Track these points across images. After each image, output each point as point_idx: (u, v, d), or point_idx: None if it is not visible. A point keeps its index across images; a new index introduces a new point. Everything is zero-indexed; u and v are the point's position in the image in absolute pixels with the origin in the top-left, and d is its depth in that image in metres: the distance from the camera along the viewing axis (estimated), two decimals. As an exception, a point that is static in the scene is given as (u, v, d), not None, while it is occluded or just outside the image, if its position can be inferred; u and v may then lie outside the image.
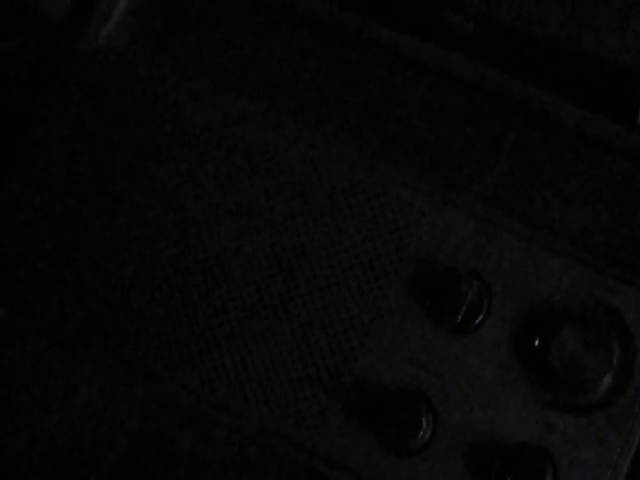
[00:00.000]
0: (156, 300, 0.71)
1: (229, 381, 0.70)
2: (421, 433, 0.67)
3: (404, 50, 0.72)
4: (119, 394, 0.71)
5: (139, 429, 0.71)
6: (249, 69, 0.74)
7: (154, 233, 0.72)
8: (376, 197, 0.71)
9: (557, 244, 0.70)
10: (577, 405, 0.68)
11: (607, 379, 0.67)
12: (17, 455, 0.72)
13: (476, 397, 0.68)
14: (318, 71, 0.74)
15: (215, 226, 0.71)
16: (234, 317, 0.70)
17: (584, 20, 0.76)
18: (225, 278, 0.71)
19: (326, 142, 0.72)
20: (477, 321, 0.68)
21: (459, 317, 0.67)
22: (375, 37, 0.73)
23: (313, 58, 0.74)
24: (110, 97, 0.74)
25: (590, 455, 0.67)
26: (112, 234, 0.72)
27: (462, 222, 0.70)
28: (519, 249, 0.69)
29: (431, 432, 0.67)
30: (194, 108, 0.73)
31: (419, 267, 0.70)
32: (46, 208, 0.73)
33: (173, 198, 0.72)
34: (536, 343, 0.68)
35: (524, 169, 0.71)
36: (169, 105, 0.74)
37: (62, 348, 0.72)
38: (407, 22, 0.77)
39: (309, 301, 0.70)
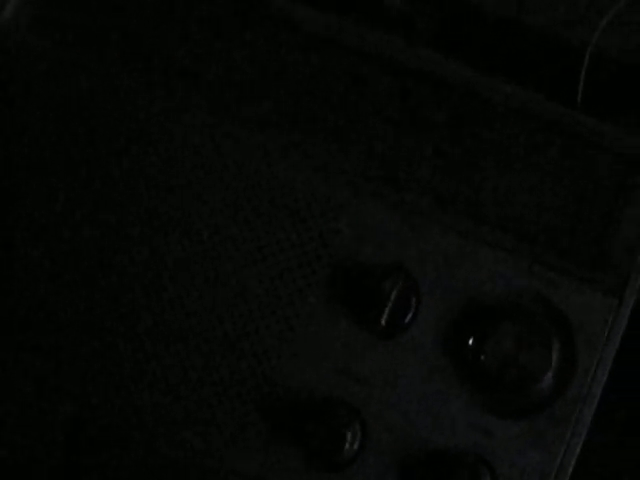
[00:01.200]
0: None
1: (151, 399, 0.64)
2: (347, 446, 0.61)
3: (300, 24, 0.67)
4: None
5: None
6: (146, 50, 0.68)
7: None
8: (290, 191, 0.65)
9: (490, 234, 0.64)
10: (516, 408, 0.63)
11: (547, 379, 0.62)
12: None
13: (408, 404, 0.63)
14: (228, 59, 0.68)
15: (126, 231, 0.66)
16: (146, 331, 0.65)
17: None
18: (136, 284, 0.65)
19: (240, 132, 0.66)
20: (404, 322, 0.63)
21: (384, 319, 0.62)
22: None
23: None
24: (10, 87, 0.68)
25: (532, 460, 0.62)
26: None
27: (386, 215, 0.65)
28: (448, 242, 0.64)
29: (359, 444, 0.62)
30: (107, 98, 0.67)
31: (340, 266, 0.64)
32: None
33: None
34: (470, 343, 0.63)
35: (454, 155, 0.66)
36: (79, 96, 0.68)
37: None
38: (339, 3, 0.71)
39: (225, 309, 0.64)
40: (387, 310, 0.62)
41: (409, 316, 0.63)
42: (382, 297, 0.62)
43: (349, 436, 0.61)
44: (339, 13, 0.70)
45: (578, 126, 0.65)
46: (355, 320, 0.63)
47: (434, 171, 0.65)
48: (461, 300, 0.63)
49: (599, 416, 0.63)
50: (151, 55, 0.68)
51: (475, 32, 0.71)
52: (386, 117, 0.66)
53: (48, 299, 0.65)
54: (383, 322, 0.62)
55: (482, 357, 0.62)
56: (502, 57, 0.71)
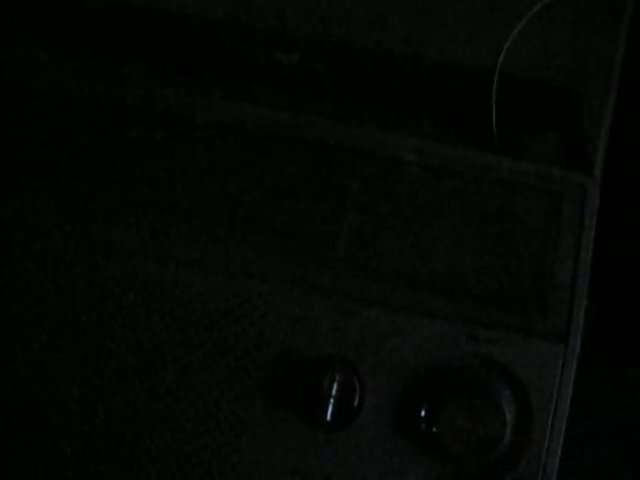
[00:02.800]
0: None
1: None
2: None
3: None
4: None
5: None
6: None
7: None
8: (214, 296, 0.63)
9: (422, 302, 0.62)
10: (478, 477, 0.61)
11: (505, 442, 0.61)
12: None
13: (369, 492, 0.62)
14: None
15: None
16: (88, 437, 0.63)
17: (422, 29, 0.67)
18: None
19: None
20: (350, 413, 0.61)
21: (328, 415, 0.60)
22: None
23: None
24: None
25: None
26: None
27: (313, 301, 0.62)
28: (381, 319, 0.62)
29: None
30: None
31: (276, 364, 0.62)
32: None
33: None
34: (421, 416, 0.61)
35: (373, 222, 0.63)
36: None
37: None
38: (235, 70, 0.67)
39: (169, 425, 0.62)
40: (330, 406, 0.60)
41: (354, 406, 0.61)
42: (323, 393, 0.60)
43: None
44: (234, 72, 0.67)
45: (494, 169, 0.62)
46: (300, 417, 0.61)
47: (354, 246, 0.62)
48: (406, 376, 0.61)
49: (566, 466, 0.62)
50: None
51: (378, 83, 0.67)
52: (296, 195, 0.63)
53: None
54: (328, 418, 0.60)
55: (434, 429, 0.61)
56: (412, 106, 0.67)
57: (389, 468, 0.61)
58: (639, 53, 0.70)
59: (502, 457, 0.61)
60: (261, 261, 0.62)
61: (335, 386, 0.60)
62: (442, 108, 0.67)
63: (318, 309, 0.62)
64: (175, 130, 0.63)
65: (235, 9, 0.68)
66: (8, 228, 0.62)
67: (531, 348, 0.61)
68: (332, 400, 0.60)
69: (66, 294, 0.62)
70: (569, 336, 0.61)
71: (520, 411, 0.61)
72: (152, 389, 0.62)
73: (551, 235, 0.62)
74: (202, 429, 0.62)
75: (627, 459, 0.77)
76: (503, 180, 0.62)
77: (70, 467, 0.62)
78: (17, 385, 0.62)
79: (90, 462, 0.62)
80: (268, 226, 0.62)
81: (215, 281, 0.62)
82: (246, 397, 0.62)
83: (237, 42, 0.68)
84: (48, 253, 0.62)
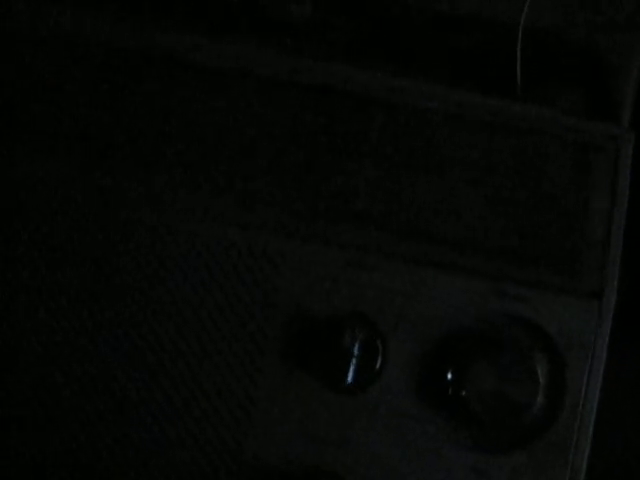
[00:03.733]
0: None
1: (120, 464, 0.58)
2: (336, 522, 0.56)
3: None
4: None
5: None
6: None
7: None
8: (224, 250, 0.58)
9: (448, 257, 0.58)
10: (509, 441, 0.57)
11: (537, 405, 0.57)
12: None
13: (390, 461, 0.57)
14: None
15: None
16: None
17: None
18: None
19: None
20: (372, 375, 0.57)
21: (349, 377, 0.56)
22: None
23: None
24: None
25: (536, 491, 0.57)
26: None
27: (330, 256, 0.58)
28: (404, 275, 0.58)
29: (349, 513, 0.57)
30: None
31: (293, 324, 0.58)
32: None
33: None
34: (448, 379, 0.57)
35: (392, 174, 0.59)
36: None
37: None
38: (246, 22, 0.63)
39: (180, 381, 0.58)
40: (351, 367, 0.56)
41: (376, 368, 0.57)
42: (344, 354, 0.56)
43: (337, 515, 0.56)
44: (246, 30, 0.63)
45: (522, 119, 0.59)
46: (319, 380, 0.57)
47: (373, 198, 0.59)
48: (430, 336, 0.57)
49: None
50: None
51: (395, 33, 0.64)
52: (311, 145, 0.59)
53: None
54: (349, 380, 0.56)
55: (463, 393, 0.57)
56: (430, 55, 0.64)
57: (412, 434, 0.57)
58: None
59: (533, 421, 0.57)
60: (275, 214, 0.58)
61: (356, 347, 0.56)
62: (463, 62, 0.63)
63: (336, 264, 0.58)
64: (182, 76, 0.59)
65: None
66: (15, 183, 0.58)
67: (564, 306, 0.57)
68: (353, 362, 0.56)
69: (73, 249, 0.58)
70: (603, 293, 0.58)
71: (553, 372, 0.57)
72: (162, 347, 0.58)
73: (582, 189, 0.58)
74: (214, 392, 0.57)
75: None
76: (530, 129, 0.59)
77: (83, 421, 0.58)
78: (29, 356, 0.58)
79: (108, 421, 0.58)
80: (282, 178, 0.59)
81: (227, 233, 0.58)
82: (260, 355, 0.57)
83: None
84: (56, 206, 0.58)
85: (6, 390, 0.58)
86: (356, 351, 0.56)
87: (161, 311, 0.58)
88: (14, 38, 0.59)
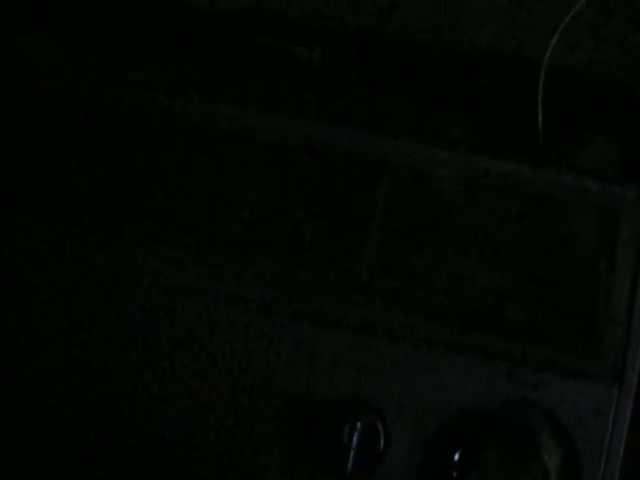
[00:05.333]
0: None
1: None
2: None
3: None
4: None
5: None
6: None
7: None
8: (224, 329, 0.56)
9: (456, 337, 0.55)
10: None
11: (549, 499, 0.54)
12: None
13: None
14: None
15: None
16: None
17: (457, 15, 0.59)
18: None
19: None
20: (374, 461, 0.54)
21: (349, 466, 0.54)
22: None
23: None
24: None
25: None
26: None
27: (331, 338, 0.55)
28: (409, 357, 0.55)
29: None
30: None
31: (292, 407, 0.55)
32: None
33: None
34: (454, 463, 0.55)
35: (399, 245, 0.55)
36: None
37: None
38: (254, 65, 0.60)
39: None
40: (351, 456, 0.54)
41: (378, 454, 0.54)
42: (343, 443, 0.54)
43: None
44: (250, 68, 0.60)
45: (538, 184, 0.55)
46: (319, 466, 0.55)
47: (378, 272, 0.55)
48: (434, 422, 0.55)
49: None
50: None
51: (411, 69, 0.60)
52: (314, 213, 0.56)
53: None
54: (349, 469, 0.54)
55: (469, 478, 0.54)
56: (448, 92, 0.60)
57: (417, 520, 0.55)
58: None
59: (544, 514, 0.54)
60: (274, 291, 0.56)
61: (356, 435, 0.54)
62: (479, 106, 0.59)
63: (338, 345, 0.55)
64: (192, 141, 0.56)
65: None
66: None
67: (580, 391, 0.54)
68: (352, 452, 0.54)
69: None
70: (624, 378, 0.54)
71: (566, 464, 0.54)
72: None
73: (606, 261, 0.54)
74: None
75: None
76: (550, 196, 0.54)
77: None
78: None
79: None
80: (283, 251, 0.56)
81: (225, 313, 0.55)
82: (260, 444, 0.56)
83: (253, 32, 0.61)
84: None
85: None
86: (355, 441, 0.53)
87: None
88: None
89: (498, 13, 0.59)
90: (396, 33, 0.59)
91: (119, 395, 0.56)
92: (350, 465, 0.54)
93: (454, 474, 0.55)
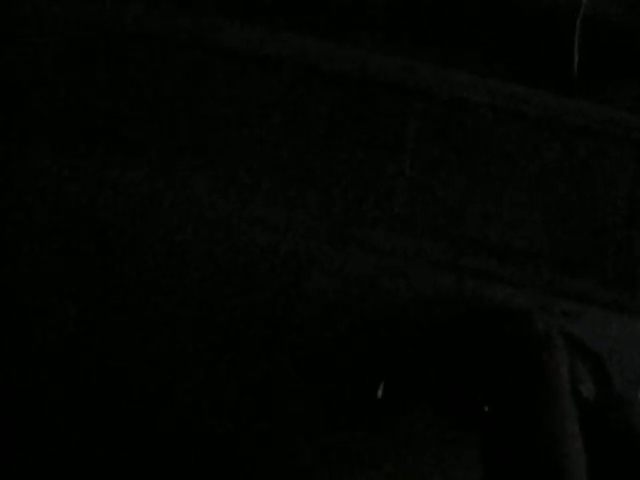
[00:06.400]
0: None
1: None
2: None
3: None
4: None
5: None
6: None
7: None
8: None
9: (487, 267, 0.54)
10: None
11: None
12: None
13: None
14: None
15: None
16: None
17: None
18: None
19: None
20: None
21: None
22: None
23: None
24: None
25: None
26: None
27: (364, 261, 0.54)
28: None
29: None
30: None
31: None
32: None
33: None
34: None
35: (433, 173, 0.54)
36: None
37: None
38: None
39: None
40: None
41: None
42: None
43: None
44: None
45: (574, 115, 0.54)
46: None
47: (410, 199, 0.54)
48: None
49: None
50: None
51: (443, 16, 0.58)
52: (347, 140, 0.55)
53: None
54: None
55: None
56: (481, 42, 0.58)
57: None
58: None
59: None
60: (309, 216, 0.54)
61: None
62: (518, 50, 0.58)
63: (369, 269, 0.54)
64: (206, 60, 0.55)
65: None
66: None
67: (613, 324, 0.53)
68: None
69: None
70: (659, 311, 0.53)
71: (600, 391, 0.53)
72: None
73: (640, 194, 0.54)
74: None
75: None
76: (584, 128, 0.54)
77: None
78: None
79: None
80: (317, 177, 0.54)
81: (261, 236, 0.54)
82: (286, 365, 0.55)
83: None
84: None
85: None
86: None
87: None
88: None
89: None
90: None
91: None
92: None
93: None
